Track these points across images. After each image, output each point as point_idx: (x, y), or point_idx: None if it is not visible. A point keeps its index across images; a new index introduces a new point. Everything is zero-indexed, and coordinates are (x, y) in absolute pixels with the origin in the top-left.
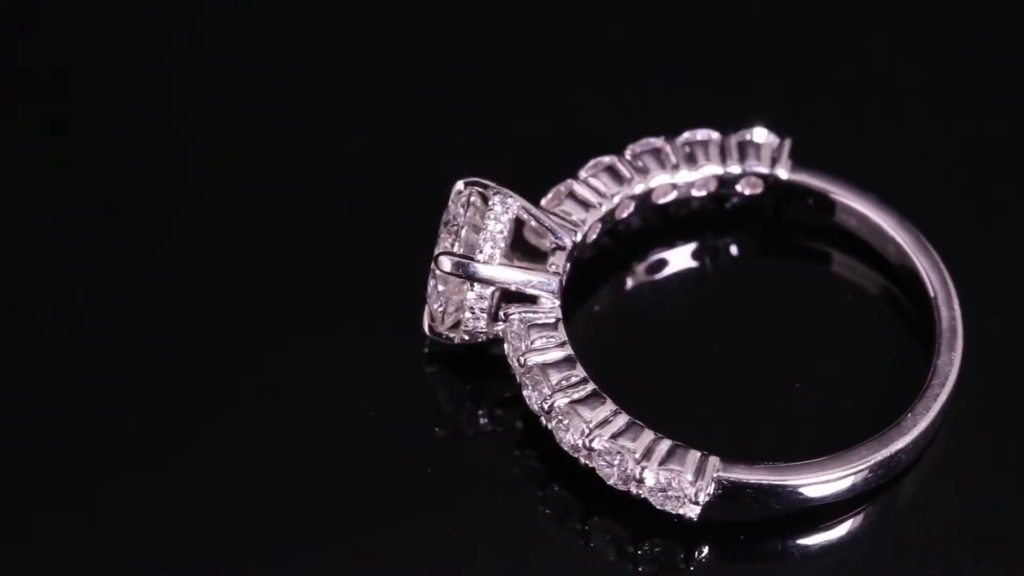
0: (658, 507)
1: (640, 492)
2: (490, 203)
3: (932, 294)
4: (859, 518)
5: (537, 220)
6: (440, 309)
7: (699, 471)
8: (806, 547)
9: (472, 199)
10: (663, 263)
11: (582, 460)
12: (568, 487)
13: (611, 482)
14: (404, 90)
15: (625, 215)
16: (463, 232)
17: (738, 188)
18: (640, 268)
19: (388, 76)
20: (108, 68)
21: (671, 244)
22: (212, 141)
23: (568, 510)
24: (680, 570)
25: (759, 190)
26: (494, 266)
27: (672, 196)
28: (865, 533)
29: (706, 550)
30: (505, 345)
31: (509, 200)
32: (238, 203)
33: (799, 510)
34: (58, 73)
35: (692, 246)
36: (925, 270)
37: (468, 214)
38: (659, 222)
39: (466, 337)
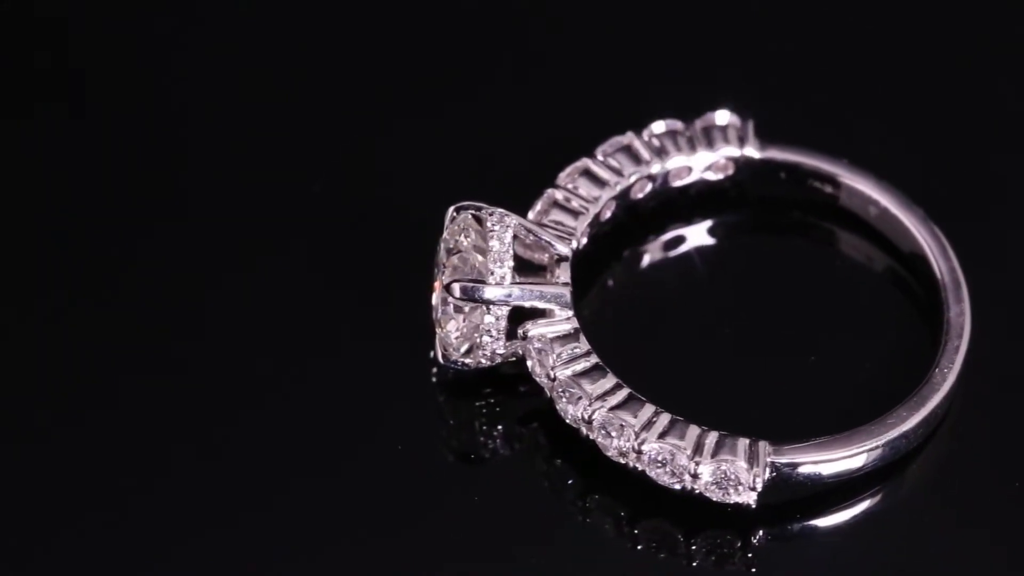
0: (715, 499)
1: (695, 487)
2: (488, 224)
3: (926, 249)
4: (874, 496)
5: (535, 235)
6: (457, 336)
7: (752, 458)
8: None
9: (467, 223)
10: (670, 245)
11: (631, 464)
12: (607, 491)
13: (663, 481)
14: (395, 92)
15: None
16: (469, 257)
17: (705, 175)
18: (644, 251)
19: (377, 78)
20: (108, 71)
21: (676, 225)
22: (212, 145)
23: (613, 513)
24: (735, 557)
25: (730, 171)
26: (507, 286)
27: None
28: (880, 509)
29: (760, 534)
30: (528, 362)
31: (506, 218)
32: (239, 210)
33: (847, 481)
34: (58, 73)
35: (697, 227)
36: (914, 226)
37: (469, 238)
38: (667, 204)
39: (483, 361)
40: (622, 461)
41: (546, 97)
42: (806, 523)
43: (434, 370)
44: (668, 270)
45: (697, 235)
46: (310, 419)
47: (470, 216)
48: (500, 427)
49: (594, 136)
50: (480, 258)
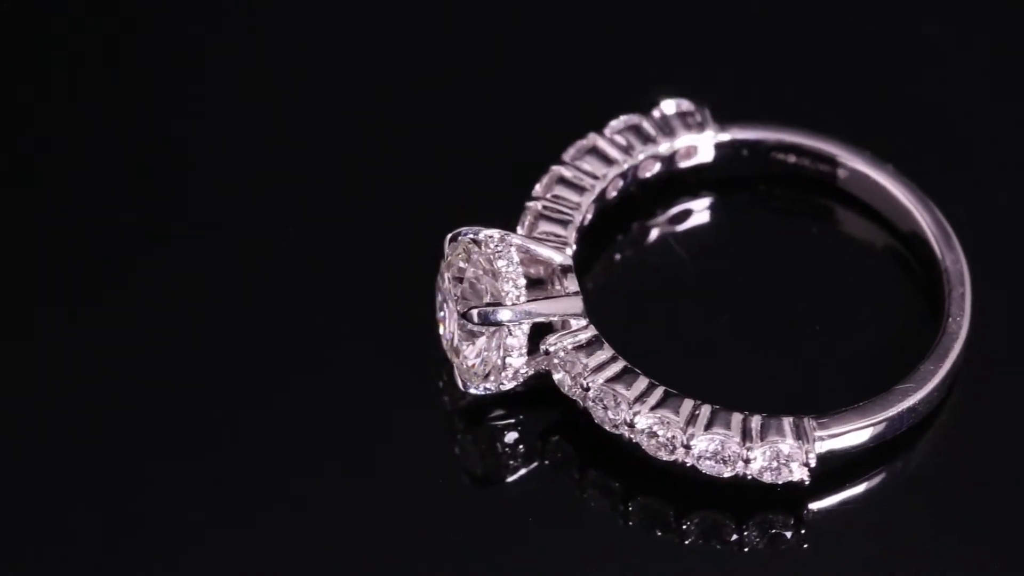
0: (767, 482)
1: (747, 473)
2: (491, 246)
3: (908, 202)
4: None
5: (531, 250)
6: (475, 362)
7: (801, 434)
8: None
9: (466, 247)
10: (676, 220)
11: (680, 460)
12: (647, 491)
13: (714, 472)
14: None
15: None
16: (476, 282)
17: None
18: (649, 226)
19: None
20: (108, 72)
21: (678, 201)
22: (214, 146)
23: (657, 511)
24: (787, 536)
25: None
26: (523, 305)
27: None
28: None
29: (809, 509)
30: (556, 376)
31: (507, 237)
32: (243, 221)
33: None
34: (58, 73)
35: (694, 205)
36: (888, 183)
37: (472, 263)
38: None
39: (505, 383)
40: (670, 459)
41: (539, 88)
42: (850, 492)
43: (445, 397)
44: (670, 247)
45: (696, 212)
46: (323, 439)
47: (468, 240)
48: (520, 446)
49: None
50: (490, 280)
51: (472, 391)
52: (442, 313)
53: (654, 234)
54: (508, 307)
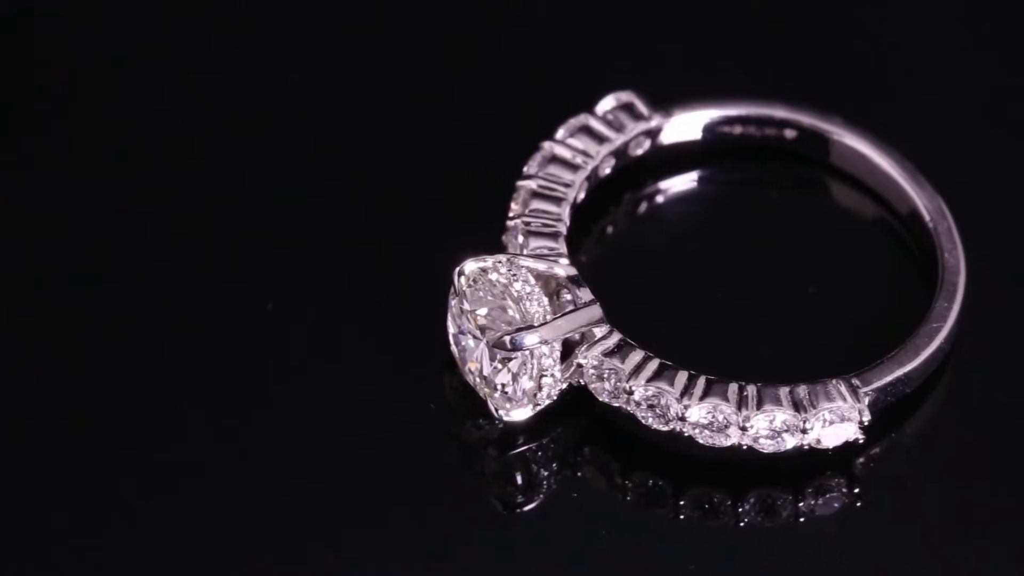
0: (827, 447)
1: (805, 443)
2: (503, 271)
3: (889, 168)
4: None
5: (537, 269)
6: (515, 389)
7: (853, 395)
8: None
9: (474, 275)
10: (667, 194)
11: (737, 443)
12: (698, 482)
13: (773, 450)
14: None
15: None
16: (502, 311)
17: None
18: (635, 202)
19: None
20: (109, 72)
21: (665, 178)
22: (217, 147)
23: (709, 499)
24: (842, 497)
25: (647, 147)
26: (553, 323)
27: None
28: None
29: (856, 466)
30: (594, 387)
31: (515, 259)
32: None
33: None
34: (59, 73)
35: (685, 179)
36: (860, 147)
37: (490, 291)
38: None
39: (541, 403)
40: (727, 445)
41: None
42: (892, 445)
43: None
44: (665, 219)
45: (686, 187)
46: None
47: (478, 270)
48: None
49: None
50: (513, 305)
51: (511, 419)
52: (458, 349)
53: (643, 209)
54: (538, 328)
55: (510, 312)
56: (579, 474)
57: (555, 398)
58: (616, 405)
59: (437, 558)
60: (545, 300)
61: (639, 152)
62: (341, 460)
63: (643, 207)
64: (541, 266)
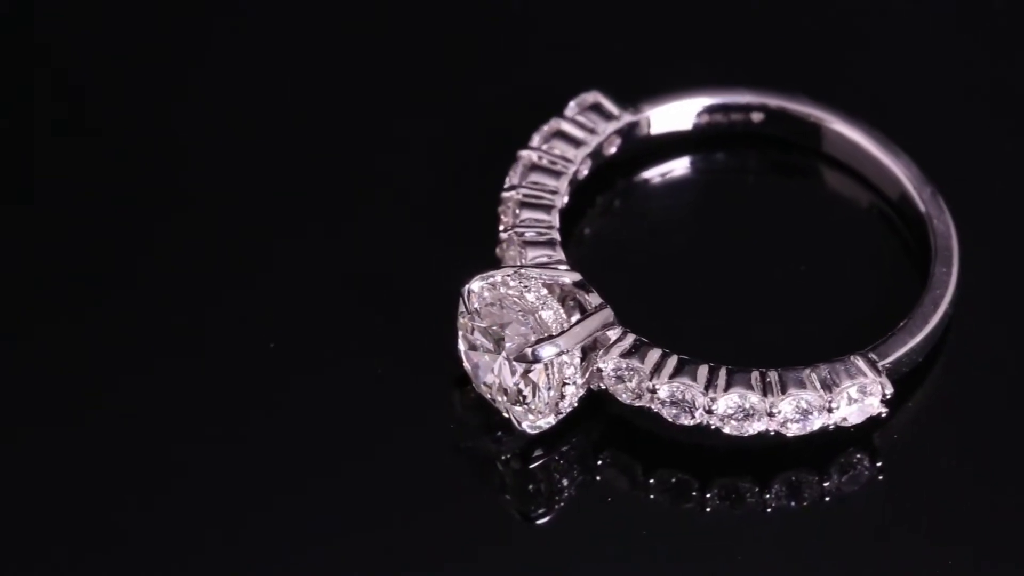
0: (853, 424)
1: (831, 422)
2: (513, 283)
3: (862, 141)
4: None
5: (544, 277)
6: (539, 399)
7: (873, 369)
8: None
9: (486, 293)
10: (658, 180)
11: (765, 430)
12: (725, 471)
13: (801, 433)
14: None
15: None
16: (518, 323)
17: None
18: (627, 186)
19: None
20: (111, 73)
21: (653, 167)
22: (220, 149)
23: (737, 487)
24: (865, 471)
25: (617, 145)
26: (571, 330)
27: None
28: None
29: (875, 439)
30: (615, 389)
31: (522, 270)
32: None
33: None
34: (60, 73)
35: (674, 170)
36: (823, 119)
37: (501, 305)
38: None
39: (564, 411)
40: (756, 430)
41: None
42: (908, 414)
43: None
44: (655, 210)
45: (674, 178)
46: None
47: (487, 286)
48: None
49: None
50: (530, 316)
51: (536, 430)
52: (471, 366)
53: (635, 197)
54: (557, 338)
55: (527, 323)
56: (598, 478)
57: (575, 405)
58: (638, 405)
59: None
60: (559, 307)
61: (612, 151)
62: (359, 478)
63: (629, 201)
64: (547, 275)
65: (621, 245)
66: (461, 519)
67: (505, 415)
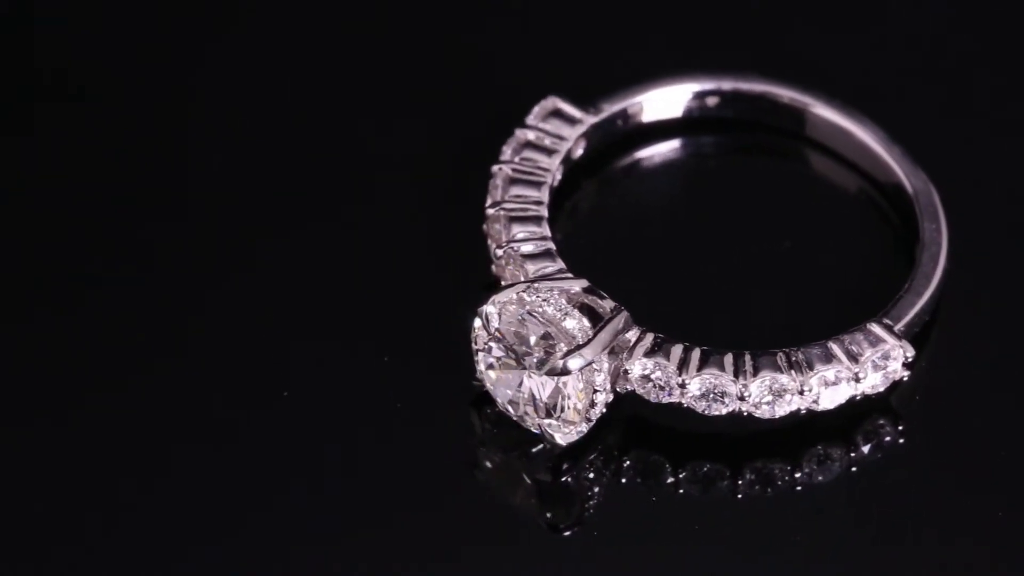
0: (879, 391)
1: (859, 392)
2: (527, 300)
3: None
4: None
5: (555, 288)
6: (572, 410)
7: (891, 334)
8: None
9: (503, 314)
10: (643, 165)
11: (797, 409)
12: (758, 451)
13: (831, 406)
14: None
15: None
16: (545, 335)
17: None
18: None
19: None
20: (112, 74)
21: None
22: (223, 149)
23: (775, 467)
24: (888, 436)
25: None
26: (597, 337)
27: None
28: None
29: (894, 404)
30: (643, 389)
31: (533, 285)
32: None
33: None
34: (59, 73)
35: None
36: (750, 86)
37: (520, 323)
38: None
39: (593, 419)
40: (788, 411)
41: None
42: (921, 374)
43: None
44: (641, 196)
45: (661, 161)
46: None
47: (500, 304)
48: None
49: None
50: (553, 329)
51: (568, 441)
52: (495, 388)
53: (622, 180)
54: (582, 349)
55: (551, 336)
56: (624, 480)
57: (604, 411)
58: (667, 402)
59: None
60: (580, 315)
61: (579, 153)
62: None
63: (615, 186)
64: (557, 285)
65: (608, 235)
66: (513, 544)
67: (535, 431)
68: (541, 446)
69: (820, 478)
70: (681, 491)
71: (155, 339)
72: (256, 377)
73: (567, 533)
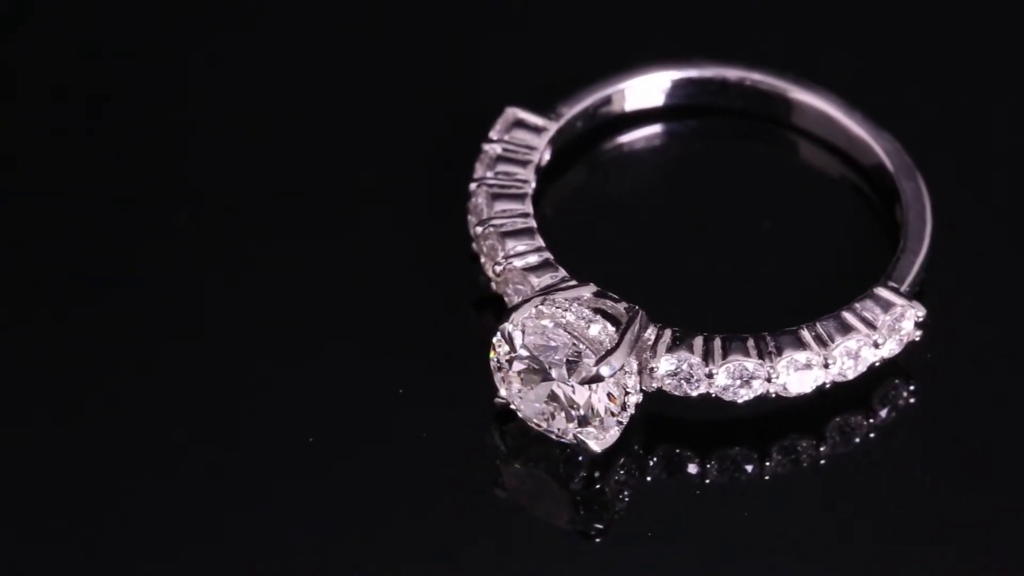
0: (895, 355)
1: (878, 358)
2: (546, 309)
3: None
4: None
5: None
6: (608, 415)
7: (899, 296)
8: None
9: (524, 330)
10: (620, 149)
11: (821, 383)
12: (785, 428)
13: (854, 376)
14: None
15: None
16: (571, 344)
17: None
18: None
19: None
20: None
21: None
22: (225, 149)
23: (799, 447)
24: (904, 399)
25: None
26: (624, 339)
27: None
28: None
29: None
30: (669, 384)
31: (548, 296)
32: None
33: None
34: (59, 72)
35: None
36: (720, 73)
37: (543, 335)
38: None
39: (623, 422)
40: (815, 386)
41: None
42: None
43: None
44: (625, 184)
45: (646, 145)
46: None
47: (521, 320)
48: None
49: None
50: (579, 336)
51: (604, 446)
52: (522, 405)
53: (605, 166)
54: (610, 355)
55: (578, 345)
56: (657, 477)
57: (634, 411)
58: (694, 395)
59: None
60: (603, 320)
61: (547, 158)
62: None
63: (599, 178)
64: (566, 294)
65: (591, 229)
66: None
67: (566, 440)
68: (567, 454)
69: (841, 450)
70: (709, 481)
71: (155, 339)
72: (256, 377)
73: (598, 540)
